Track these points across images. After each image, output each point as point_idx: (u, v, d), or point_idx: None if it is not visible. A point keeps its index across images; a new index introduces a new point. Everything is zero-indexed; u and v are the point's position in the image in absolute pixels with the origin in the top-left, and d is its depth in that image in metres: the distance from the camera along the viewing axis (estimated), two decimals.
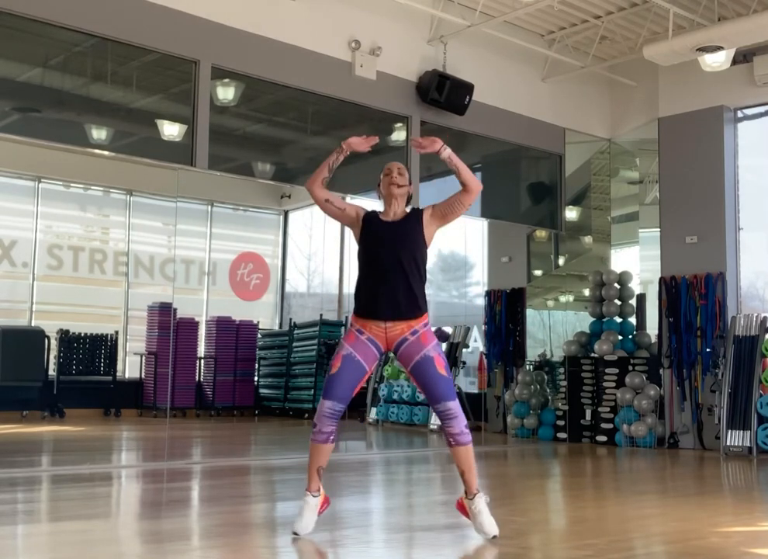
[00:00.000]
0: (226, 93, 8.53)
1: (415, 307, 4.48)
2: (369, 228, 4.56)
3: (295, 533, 4.35)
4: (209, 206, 14.58)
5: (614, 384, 10.21)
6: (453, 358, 11.48)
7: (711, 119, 10.11)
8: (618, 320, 10.77)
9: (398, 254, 4.46)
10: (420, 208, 4.66)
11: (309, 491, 4.44)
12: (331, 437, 4.41)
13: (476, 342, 11.99)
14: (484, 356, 11.43)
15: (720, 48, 8.75)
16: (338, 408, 4.39)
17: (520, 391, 11.02)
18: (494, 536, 4.36)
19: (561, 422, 10.66)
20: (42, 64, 7.62)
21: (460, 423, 4.39)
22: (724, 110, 10.07)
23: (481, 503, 4.41)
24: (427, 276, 4.61)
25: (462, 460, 4.42)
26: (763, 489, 7.34)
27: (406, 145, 9.58)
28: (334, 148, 4.61)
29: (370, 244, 4.55)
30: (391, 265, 4.45)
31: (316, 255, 15.33)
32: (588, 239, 12.14)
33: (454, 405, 4.40)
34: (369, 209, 4.67)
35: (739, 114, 10.22)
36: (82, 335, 12.80)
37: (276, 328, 15.08)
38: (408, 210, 4.65)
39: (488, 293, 11.77)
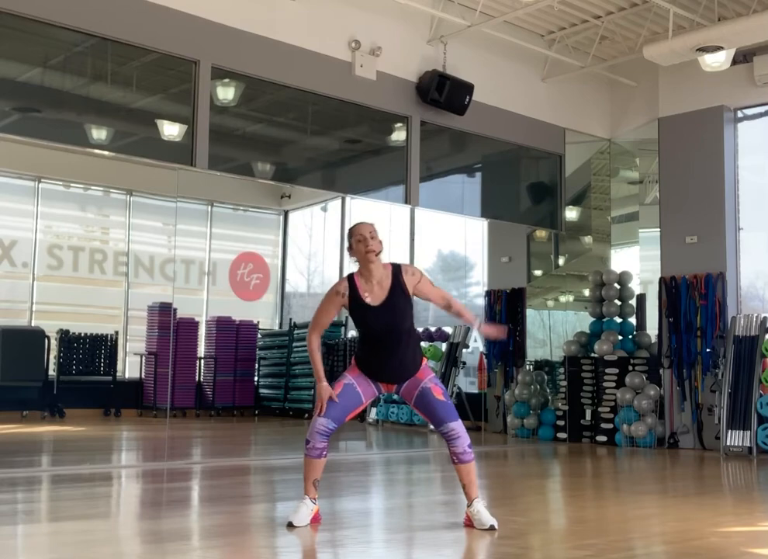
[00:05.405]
0: (226, 93, 8.53)
1: (416, 365, 4.71)
2: (358, 312, 4.69)
3: (290, 524, 4.55)
4: (209, 206, 14.56)
5: (614, 384, 10.21)
6: (453, 358, 11.48)
7: (711, 119, 10.11)
8: (618, 320, 10.76)
9: (393, 334, 4.64)
10: (401, 269, 4.69)
11: (308, 495, 4.67)
12: (324, 452, 4.65)
13: (476, 342, 11.97)
14: (484, 356, 11.42)
15: (720, 48, 8.75)
16: (331, 427, 4.62)
17: (520, 391, 11.01)
18: (492, 526, 4.54)
19: (561, 422, 10.65)
20: (42, 64, 7.62)
21: (463, 443, 4.63)
22: (724, 110, 10.07)
23: (479, 505, 4.66)
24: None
25: (464, 476, 4.69)
26: (763, 489, 7.34)
27: (406, 145, 9.58)
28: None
29: (363, 325, 4.72)
30: (390, 342, 4.65)
31: (316, 255, 15.32)
32: (588, 239, 12.14)
33: (457, 425, 4.63)
34: (344, 279, 4.77)
35: (739, 114, 10.21)
36: (82, 335, 12.78)
37: (276, 328, 15.06)
38: (388, 271, 4.69)
39: (488, 293, 11.76)
